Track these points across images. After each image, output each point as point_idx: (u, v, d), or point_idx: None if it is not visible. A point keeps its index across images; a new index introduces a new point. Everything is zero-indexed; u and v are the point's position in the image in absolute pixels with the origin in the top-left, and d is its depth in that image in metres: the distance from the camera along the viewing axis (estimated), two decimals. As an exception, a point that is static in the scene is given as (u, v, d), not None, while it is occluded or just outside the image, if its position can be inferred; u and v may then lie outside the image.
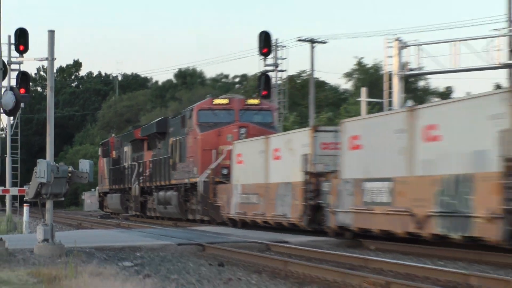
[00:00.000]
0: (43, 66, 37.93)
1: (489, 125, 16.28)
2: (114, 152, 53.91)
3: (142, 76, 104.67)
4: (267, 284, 13.62)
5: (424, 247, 19.72)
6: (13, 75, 24.78)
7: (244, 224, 30.31)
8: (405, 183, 19.86)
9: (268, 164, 28.71)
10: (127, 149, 50.50)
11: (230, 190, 31.84)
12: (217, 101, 35.80)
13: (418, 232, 19.27)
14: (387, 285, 12.08)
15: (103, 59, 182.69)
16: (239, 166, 31.02)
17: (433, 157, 18.80)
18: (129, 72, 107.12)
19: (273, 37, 34.53)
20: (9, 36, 26.96)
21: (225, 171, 32.78)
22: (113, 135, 62.14)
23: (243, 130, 33.42)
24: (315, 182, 24.74)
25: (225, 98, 36.42)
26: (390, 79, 30.26)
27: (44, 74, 35.15)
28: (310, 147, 25.36)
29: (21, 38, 21.55)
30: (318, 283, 13.66)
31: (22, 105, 21.91)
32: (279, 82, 37.34)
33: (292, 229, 26.26)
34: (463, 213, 17.27)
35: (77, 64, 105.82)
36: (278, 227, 27.27)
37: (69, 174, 17.96)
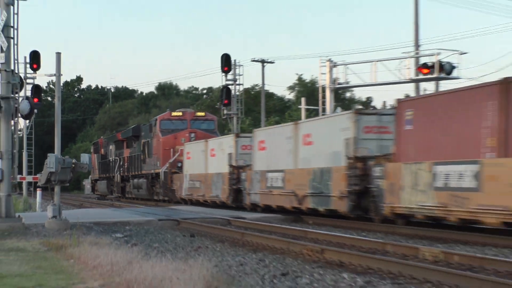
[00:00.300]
0: (52, 80, 41.28)
1: (340, 135, 22.87)
2: (102, 150, 64.38)
3: (130, 88, 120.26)
4: (228, 251, 15.43)
5: (351, 221, 23.03)
6: (28, 87, 28.69)
7: (192, 203, 38.37)
8: (291, 173, 26.88)
9: (207, 160, 37.02)
10: (111, 147, 60.03)
11: (182, 178, 40.58)
12: (174, 113, 45.96)
13: (299, 206, 26.10)
14: (322, 251, 13.72)
15: (99, 75, 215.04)
16: (188, 161, 39.74)
17: (308, 156, 25.80)
18: (120, 85, 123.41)
19: (232, 58, 40.47)
20: (25, 57, 29.89)
21: (179, 164, 41.64)
22: (102, 137, 72.76)
23: (192, 135, 42.32)
24: (237, 173, 32.62)
25: (180, 111, 46.96)
26: (323, 91, 35.17)
27: (53, 87, 37.73)
28: (234, 148, 33.13)
29: (34, 59, 24.77)
30: (268, 250, 15.48)
31: (35, 111, 23.99)
32: (237, 93, 42.67)
33: (223, 206, 33.82)
34: (325, 193, 23.93)
35: (79, 79, 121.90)
36: (213, 205, 35.19)
37: (73, 165, 20.82)
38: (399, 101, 21.96)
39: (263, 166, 29.50)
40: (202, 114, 47.35)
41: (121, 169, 54.39)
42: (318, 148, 24.55)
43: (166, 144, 42.45)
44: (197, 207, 35.65)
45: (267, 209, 28.93)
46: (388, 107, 23.76)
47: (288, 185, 26.32)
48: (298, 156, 26.13)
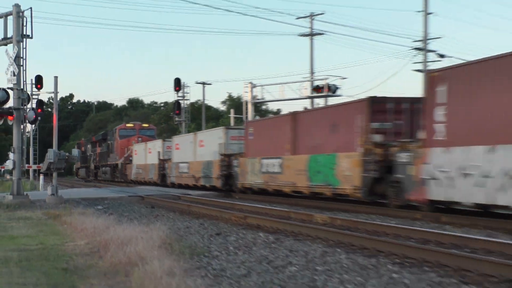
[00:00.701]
0: (51, 96, 46.02)
1: (218, 141, 32.69)
2: (83, 147, 78.63)
3: (108, 102, 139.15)
4: (178, 218, 19.05)
5: (269, 197, 27.19)
6: (34, 101, 33.30)
7: (137, 183, 49.97)
8: (192, 164, 36.74)
9: (146, 156, 48.80)
10: (89, 146, 76.22)
11: (132, 167, 53.50)
12: (128, 125, 61.10)
13: (196, 184, 35.65)
14: (245, 217, 17.03)
15: (86, 91, 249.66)
16: (136, 156, 52.07)
17: (201, 153, 35.73)
18: (101, 100, 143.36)
19: (182, 80, 50.57)
20: (31, 79, 33.77)
21: (130, 158, 54.78)
22: (82, 139, 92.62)
23: (140, 139, 54.56)
24: (163, 164, 42.73)
25: (131, 123, 61.91)
26: (246, 105, 43.16)
27: (52, 101, 42.25)
28: (162, 148, 44.14)
29: (38, 81, 31.06)
30: (207, 217, 19.05)
31: (39, 118, 29.04)
32: (185, 106, 52.93)
33: (155, 184, 43.64)
34: (209, 176, 33.21)
35: (71, 96, 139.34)
36: (150, 184, 45.37)
37: (66, 157, 27.67)
38: (246, 122, 34.94)
39: (178, 159, 41.06)
40: (146, 125, 62.37)
41: (95, 161, 71.45)
42: (207, 149, 34.99)
43: (122, 145, 57.50)
44: (148, 186, 45.37)
45: (180, 186, 39.90)
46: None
47: (191, 171, 37.36)
48: (196, 153, 36.82)
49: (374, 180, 18.69)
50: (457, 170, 14.29)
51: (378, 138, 18.35)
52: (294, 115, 25.71)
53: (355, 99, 23.69)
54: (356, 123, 19.79)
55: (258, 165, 28.06)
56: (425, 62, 34.76)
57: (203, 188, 34.22)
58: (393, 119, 19.14)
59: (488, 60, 14.06)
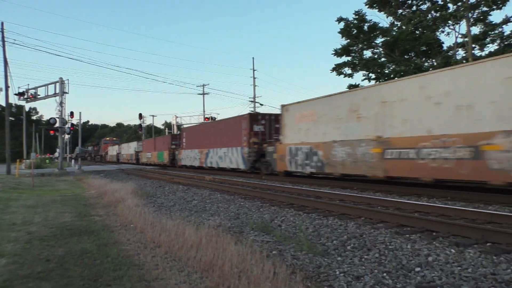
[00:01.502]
0: (77, 121, 52.55)
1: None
2: (91, 147, 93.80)
3: (106, 123, 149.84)
4: (140, 180, 21.37)
5: (191, 168, 29.98)
6: (69, 124, 34.07)
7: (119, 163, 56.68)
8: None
9: (120, 152, 59.14)
10: (91, 147, 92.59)
11: (114, 157, 63.06)
12: (106, 138, 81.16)
13: (155, 163, 40.98)
14: (173, 178, 19.46)
15: (96, 116, 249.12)
16: (123, 150, 59.81)
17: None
18: (103, 122, 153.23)
19: (144, 113, 64.93)
20: (68, 112, 36.68)
21: (107, 151, 70.56)
22: (89, 143, 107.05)
23: (112, 145, 69.72)
24: (138, 154, 49.19)
25: (108, 138, 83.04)
26: (174, 126, 52.77)
27: (78, 123, 48.49)
28: (136, 146, 51.00)
29: (71, 114, 35.69)
30: (155, 178, 21.56)
31: (71, 132, 34.06)
32: (144, 126, 62.87)
33: (132, 164, 51.04)
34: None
35: (88, 121, 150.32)
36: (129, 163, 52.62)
37: (86, 151, 31.72)
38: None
39: (146, 151, 46.03)
40: (115, 138, 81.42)
41: (94, 153, 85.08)
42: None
43: (105, 148, 72.28)
44: (127, 164, 50.79)
45: (146, 165, 44.69)
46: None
47: (152, 157, 42.35)
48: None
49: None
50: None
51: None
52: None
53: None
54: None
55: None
56: (254, 107, 43.72)
57: (158, 165, 39.25)
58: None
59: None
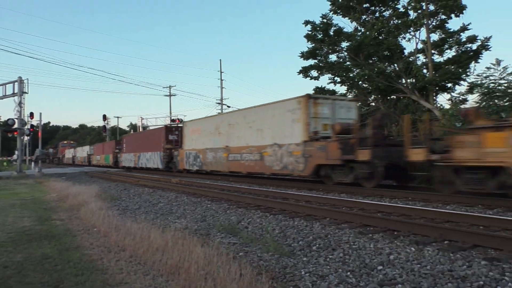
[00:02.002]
0: (38, 123, 46.66)
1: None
2: (51, 149, 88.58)
3: (69, 125, 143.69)
4: (105, 182, 20.82)
5: (146, 170, 29.30)
6: (28, 125, 33.79)
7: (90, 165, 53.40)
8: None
9: (75, 155, 61.65)
10: (52, 149, 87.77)
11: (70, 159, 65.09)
12: (64, 142, 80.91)
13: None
14: (138, 180, 19.23)
15: (57, 117, 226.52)
16: (66, 156, 68.27)
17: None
18: (65, 124, 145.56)
19: (109, 115, 63.47)
20: (28, 113, 34.26)
21: (64, 155, 70.79)
22: (50, 145, 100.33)
23: (69, 147, 71.47)
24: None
25: (66, 141, 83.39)
26: (139, 127, 52.23)
27: (38, 125, 44.43)
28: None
29: (31, 115, 32.94)
30: (120, 181, 20.96)
31: (31, 133, 31.89)
32: (108, 128, 62.56)
33: (106, 166, 46.18)
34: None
35: (48, 122, 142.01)
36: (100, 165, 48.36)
37: (46, 153, 30.03)
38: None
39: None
40: (72, 142, 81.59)
41: (53, 155, 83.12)
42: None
43: (62, 150, 74.89)
44: (82, 167, 49.50)
45: (99, 166, 46.24)
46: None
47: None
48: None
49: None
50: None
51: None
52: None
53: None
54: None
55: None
56: (221, 109, 43.75)
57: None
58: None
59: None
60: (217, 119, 22.31)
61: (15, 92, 29.62)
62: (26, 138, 39.04)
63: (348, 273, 4.52)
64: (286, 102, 16.31)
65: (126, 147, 37.36)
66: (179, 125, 30.16)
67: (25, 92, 29.56)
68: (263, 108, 17.87)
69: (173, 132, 29.00)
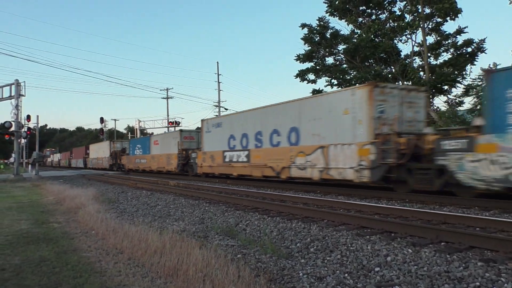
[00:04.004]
0: (35, 125, 45.93)
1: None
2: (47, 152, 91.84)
3: (65, 128, 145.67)
4: (102, 185, 20.71)
5: (146, 173, 30.07)
6: (25, 127, 33.06)
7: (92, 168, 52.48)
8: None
9: (60, 159, 71.59)
10: (48, 152, 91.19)
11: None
12: (47, 149, 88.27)
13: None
14: (136, 183, 19.18)
15: (54, 119, 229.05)
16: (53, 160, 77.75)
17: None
18: (62, 126, 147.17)
19: (106, 117, 64.11)
20: (25, 116, 33.95)
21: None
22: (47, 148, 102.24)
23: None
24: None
25: (49, 149, 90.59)
26: (137, 131, 52.13)
27: (35, 127, 43.90)
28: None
29: (28, 117, 32.67)
30: (117, 184, 20.92)
31: (28, 136, 31.49)
32: (106, 130, 62.48)
33: (106, 169, 44.67)
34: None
35: (46, 125, 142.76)
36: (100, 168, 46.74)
37: (43, 155, 30.14)
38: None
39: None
40: (53, 149, 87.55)
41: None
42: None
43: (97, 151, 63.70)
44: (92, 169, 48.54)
45: (96, 169, 45.98)
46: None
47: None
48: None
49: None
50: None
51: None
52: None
53: (175, 131, 31.10)
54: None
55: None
56: (219, 111, 43.44)
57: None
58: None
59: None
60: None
61: (12, 94, 29.56)
62: (23, 141, 38.99)
63: (346, 274, 4.54)
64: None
65: (90, 153, 52.86)
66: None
67: (22, 95, 29.53)
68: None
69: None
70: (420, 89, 13.85)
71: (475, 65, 21.98)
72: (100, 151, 46.56)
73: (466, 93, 19.98)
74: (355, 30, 25.90)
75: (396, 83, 23.14)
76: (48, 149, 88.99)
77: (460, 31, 22.71)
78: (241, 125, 19.06)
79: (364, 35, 23.47)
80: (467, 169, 9.78)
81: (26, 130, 30.79)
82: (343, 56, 25.54)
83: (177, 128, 40.24)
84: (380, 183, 12.46)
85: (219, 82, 44.92)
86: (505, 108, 9.04)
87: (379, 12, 25.61)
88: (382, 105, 12.35)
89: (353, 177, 12.72)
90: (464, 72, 21.95)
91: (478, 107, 15.80)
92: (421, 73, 23.09)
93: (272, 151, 16.78)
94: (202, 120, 22.93)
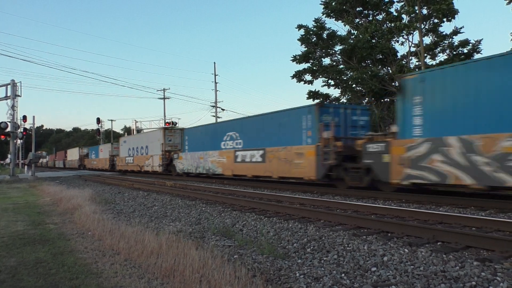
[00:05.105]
0: (31, 126, 45.27)
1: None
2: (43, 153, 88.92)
3: (62, 128, 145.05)
4: (99, 186, 20.63)
5: (140, 174, 29.40)
6: (22, 128, 32.65)
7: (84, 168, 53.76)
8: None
9: (48, 160, 75.54)
10: (44, 153, 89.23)
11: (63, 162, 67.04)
12: (38, 152, 76.49)
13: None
14: (132, 184, 19.13)
15: (50, 120, 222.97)
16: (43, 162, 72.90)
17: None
18: (58, 127, 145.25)
19: (102, 118, 63.53)
20: (21, 116, 32.76)
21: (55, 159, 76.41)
22: (43, 149, 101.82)
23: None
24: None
25: (40, 151, 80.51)
26: (134, 130, 52.15)
27: (31, 128, 43.11)
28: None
29: (24, 118, 32.02)
30: (114, 184, 20.86)
31: (24, 136, 30.99)
32: (102, 131, 62.03)
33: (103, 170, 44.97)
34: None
35: (42, 126, 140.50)
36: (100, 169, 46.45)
37: (39, 156, 29.81)
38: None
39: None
40: (44, 151, 73.14)
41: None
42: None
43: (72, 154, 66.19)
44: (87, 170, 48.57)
45: (94, 169, 46.32)
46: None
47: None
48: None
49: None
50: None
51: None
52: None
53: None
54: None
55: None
56: (216, 112, 43.52)
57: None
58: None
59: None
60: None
61: (8, 95, 29.36)
62: (19, 141, 38.84)
63: (343, 274, 4.55)
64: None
65: (68, 156, 64.25)
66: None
67: (18, 95, 29.32)
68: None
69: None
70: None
71: (471, 65, 21.99)
72: (73, 155, 59.52)
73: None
74: (352, 31, 25.94)
75: (393, 83, 23.20)
76: (38, 152, 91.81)
77: (456, 32, 22.80)
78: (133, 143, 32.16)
79: (361, 36, 23.51)
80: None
81: (22, 130, 30.65)
82: (340, 56, 25.57)
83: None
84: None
85: (216, 83, 44.90)
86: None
87: (376, 13, 25.67)
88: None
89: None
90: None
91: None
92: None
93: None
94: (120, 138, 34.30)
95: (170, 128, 30.22)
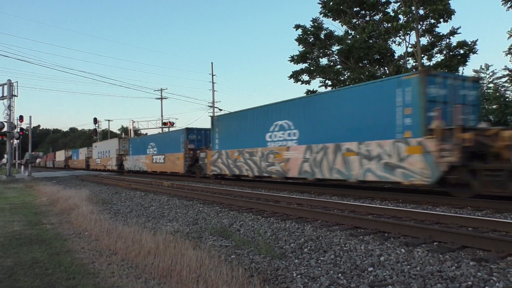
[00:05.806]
0: (27, 126, 45.71)
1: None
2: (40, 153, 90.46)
3: (59, 128, 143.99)
4: (96, 186, 20.60)
5: (140, 174, 29.91)
6: (18, 128, 32.66)
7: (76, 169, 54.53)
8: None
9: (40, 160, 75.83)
10: (41, 153, 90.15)
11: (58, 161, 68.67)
12: (33, 152, 72.07)
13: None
14: (130, 184, 19.15)
15: (47, 120, 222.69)
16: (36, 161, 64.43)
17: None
18: (55, 127, 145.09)
19: (100, 118, 63.84)
20: (18, 116, 33.14)
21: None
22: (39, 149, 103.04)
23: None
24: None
25: (34, 152, 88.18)
26: (131, 131, 52.16)
27: (28, 128, 43.58)
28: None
29: (20, 118, 32.18)
30: (111, 184, 20.82)
31: (21, 137, 30.99)
32: (99, 131, 62.48)
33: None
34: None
35: (38, 126, 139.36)
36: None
37: (36, 156, 29.32)
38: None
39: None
40: (39, 152, 73.21)
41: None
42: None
43: (59, 156, 71.04)
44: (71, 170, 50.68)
45: (94, 170, 45.09)
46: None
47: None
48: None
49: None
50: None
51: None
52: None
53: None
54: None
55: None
56: (213, 112, 43.49)
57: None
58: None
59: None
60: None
61: (4, 95, 29.38)
62: (15, 141, 38.85)
63: (340, 274, 4.56)
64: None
65: (56, 157, 71.27)
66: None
67: (15, 95, 29.33)
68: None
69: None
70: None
71: (466, 65, 22.15)
72: (60, 156, 66.70)
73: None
74: (349, 31, 25.99)
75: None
76: (35, 152, 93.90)
77: (453, 32, 22.87)
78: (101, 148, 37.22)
79: (358, 36, 23.55)
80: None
81: (18, 130, 30.61)
82: (337, 57, 25.61)
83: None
84: None
85: (213, 83, 44.92)
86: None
87: (373, 13, 25.72)
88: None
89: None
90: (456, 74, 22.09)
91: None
92: (415, 74, 23.14)
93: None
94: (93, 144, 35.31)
95: (123, 138, 39.55)
